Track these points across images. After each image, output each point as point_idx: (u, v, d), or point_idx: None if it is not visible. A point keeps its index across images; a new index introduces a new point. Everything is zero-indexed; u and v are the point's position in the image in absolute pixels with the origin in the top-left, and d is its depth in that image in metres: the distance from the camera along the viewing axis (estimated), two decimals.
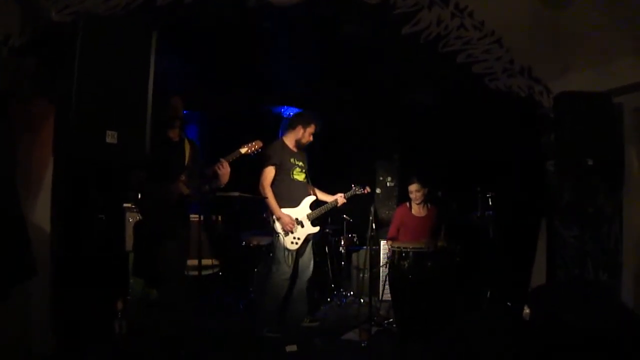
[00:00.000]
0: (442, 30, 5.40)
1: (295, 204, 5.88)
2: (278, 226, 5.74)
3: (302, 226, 5.86)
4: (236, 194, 6.11)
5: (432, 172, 7.15)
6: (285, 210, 5.76)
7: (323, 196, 6.22)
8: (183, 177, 4.71)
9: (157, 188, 4.62)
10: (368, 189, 6.45)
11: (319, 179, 6.33)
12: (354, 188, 6.32)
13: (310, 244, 6.05)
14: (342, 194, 6.22)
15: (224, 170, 4.80)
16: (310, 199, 6.01)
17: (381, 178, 9.13)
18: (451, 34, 5.45)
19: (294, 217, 5.79)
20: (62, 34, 3.53)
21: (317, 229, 6.00)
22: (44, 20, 3.80)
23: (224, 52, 6.08)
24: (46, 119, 4.06)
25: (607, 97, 5.08)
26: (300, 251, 5.90)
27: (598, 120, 4.95)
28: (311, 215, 5.94)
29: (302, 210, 5.90)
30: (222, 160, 4.81)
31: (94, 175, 4.31)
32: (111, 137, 3.38)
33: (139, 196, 4.87)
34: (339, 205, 6.21)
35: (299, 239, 5.80)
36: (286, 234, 5.73)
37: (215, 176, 4.79)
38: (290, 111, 8.72)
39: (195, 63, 6.43)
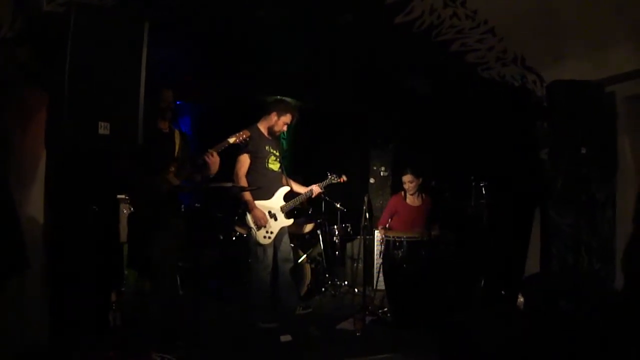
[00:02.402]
0: (435, 20, 5.40)
1: (269, 195, 5.70)
2: (250, 219, 5.58)
3: (276, 219, 5.68)
4: (229, 184, 6.09)
5: (426, 161, 7.15)
6: (259, 203, 5.60)
7: (298, 188, 6.03)
8: (173, 168, 4.71)
9: (147, 179, 4.61)
10: (344, 178, 6.29)
11: (312, 167, 6.30)
12: (329, 177, 6.19)
13: (287, 235, 5.89)
14: (317, 184, 6.08)
15: (213, 159, 4.78)
16: (284, 189, 5.82)
17: (375, 167, 9.13)
18: (444, 23, 5.44)
19: (267, 210, 5.62)
20: (54, 24, 3.50)
21: (290, 221, 5.83)
22: (35, 11, 3.77)
23: (217, 43, 6.06)
24: (39, 110, 4.04)
25: (600, 86, 5.10)
26: (277, 244, 5.75)
27: (591, 109, 4.97)
28: (285, 207, 5.77)
29: (275, 202, 5.73)
30: (211, 150, 4.80)
31: (87, 166, 4.29)
32: (103, 128, 3.38)
33: (132, 186, 4.87)
34: (314, 195, 6.07)
35: (272, 232, 5.63)
36: (258, 228, 5.56)
37: (205, 166, 4.78)
38: None
39: (187, 54, 6.40)
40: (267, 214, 5.61)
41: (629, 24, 4.76)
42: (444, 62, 6.10)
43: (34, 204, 4.19)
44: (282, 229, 5.76)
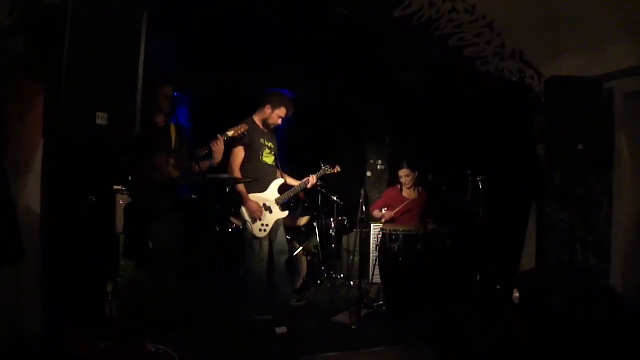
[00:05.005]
0: (434, 14, 5.39)
1: (263, 188, 5.67)
2: (245, 213, 5.55)
3: (271, 212, 5.67)
4: (226, 176, 6.07)
5: (422, 155, 7.15)
6: (254, 196, 5.56)
7: (292, 181, 6.00)
8: (172, 160, 4.71)
9: (145, 170, 4.61)
10: (338, 168, 6.26)
11: (309, 160, 6.28)
12: (323, 168, 6.15)
13: (282, 227, 5.87)
14: (313, 175, 6.04)
15: (219, 147, 4.80)
16: (278, 182, 5.80)
17: (372, 161, 9.12)
18: (443, 18, 5.43)
19: (261, 203, 5.59)
20: (51, 14, 3.48)
21: (286, 213, 5.83)
22: (33, 1, 3.75)
23: (215, 34, 6.04)
24: (36, 100, 4.02)
25: (598, 83, 5.09)
26: (272, 237, 5.74)
27: (589, 105, 4.96)
28: (280, 200, 5.76)
29: (270, 195, 5.71)
30: (219, 136, 4.81)
31: (84, 157, 4.28)
32: (101, 119, 3.36)
33: (129, 178, 4.87)
34: (309, 186, 6.03)
35: (267, 225, 5.62)
36: (254, 221, 5.54)
37: (210, 154, 4.78)
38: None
39: (185, 45, 6.37)
40: (262, 206, 5.59)
41: (628, 20, 4.75)
42: (441, 57, 6.09)
43: (31, 193, 4.18)
44: (277, 221, 5.74)
